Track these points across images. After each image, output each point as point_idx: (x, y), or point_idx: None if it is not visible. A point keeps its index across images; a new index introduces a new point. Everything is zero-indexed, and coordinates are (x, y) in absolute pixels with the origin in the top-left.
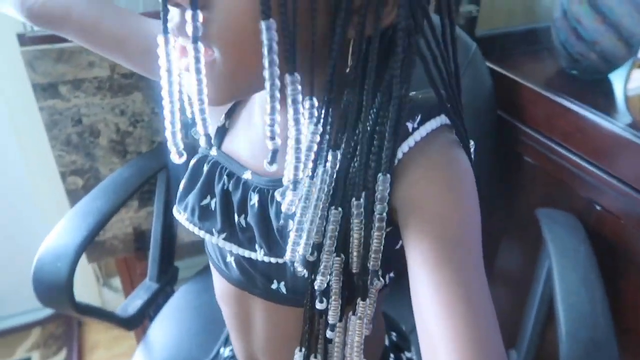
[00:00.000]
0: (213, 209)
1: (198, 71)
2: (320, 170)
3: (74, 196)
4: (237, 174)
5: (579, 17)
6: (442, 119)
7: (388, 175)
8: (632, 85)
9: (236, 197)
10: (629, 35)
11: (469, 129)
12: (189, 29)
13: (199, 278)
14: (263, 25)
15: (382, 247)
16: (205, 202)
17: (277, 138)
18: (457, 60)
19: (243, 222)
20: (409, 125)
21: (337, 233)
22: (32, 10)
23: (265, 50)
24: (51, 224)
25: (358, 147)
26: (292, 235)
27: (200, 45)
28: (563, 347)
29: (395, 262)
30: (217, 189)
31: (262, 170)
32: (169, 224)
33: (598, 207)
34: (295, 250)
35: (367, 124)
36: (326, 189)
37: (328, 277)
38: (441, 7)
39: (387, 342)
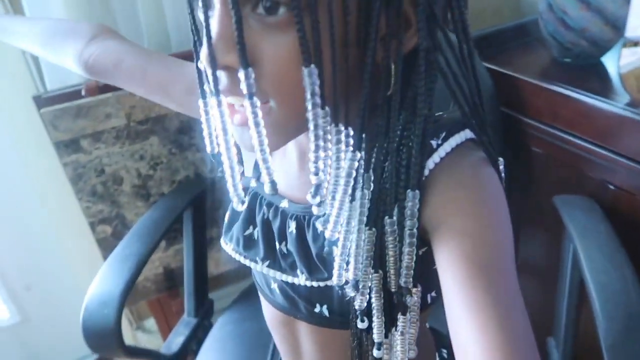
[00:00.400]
0: (256, 238)
1: (257, 124)
2: (358, 194)
3: (104, 244)
4: (275, 203)
5: (564, 7)
6: (466, 134)
7: (417, 191)
8: (624, 62)
9: (276, 225)
10: (614, 19)
11: None
12: (243, 87)
13: (234, 308)
14: (305, 72)
15: (413, 262)
16: (248, 232)
17: (321, 173)
18: (477, 75)
19: (284, 249)
20: (434, 142)
21: (373, 252)
22: (87, 63)
23: (308, 94)
24: (83, 276)
25: (387, 166)
26: (337, 260)
27: (256, 100)
28: (601, 327)
29: (435, 281)
30: (258, 218)
31: (297, 198)
32: (200, 259)
33: (612, 187)
34: (341, 275)
35: (394, 142)
36: (365, 212)
37: (367, 295)
38: (456, 26)
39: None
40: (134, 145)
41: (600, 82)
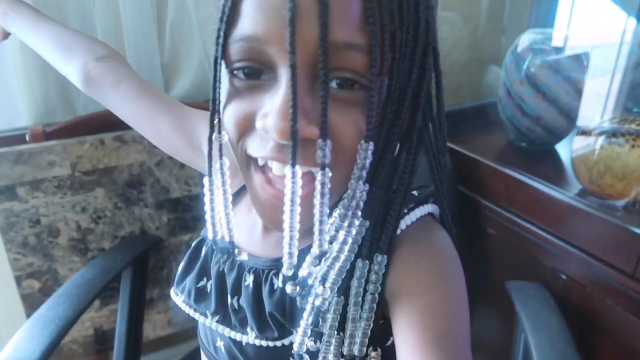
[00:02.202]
0: (208, 291)
1: (323, 195)
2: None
3: (29, 301)
4: (233, 256)
5: (522, 95)
6: (427, 208)
7: (385, 256)
8: (576, 152)
9: (231, 279)
10: (568, 110)
11: None
12: (319, 157)
13: None
14: (363, 146)
15: (370, 331)
16: (201, 284)
17: (326, 244)
18: (446, 155)
19: (236, 304)
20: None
21: (337, 322)
22: (89, 74)
23: (357, 168)
24: (4, 334)
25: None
26: (302, 325)
27: (328, 171)
28: None
29: (392, 351)
30: (213, 271)
31: (257, 253)
32: (135, 321)
33: (563, 276)
34: (304, 342)
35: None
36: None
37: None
38: (433, 117)
39: None
40: (77, 196)
41: (554, 169)
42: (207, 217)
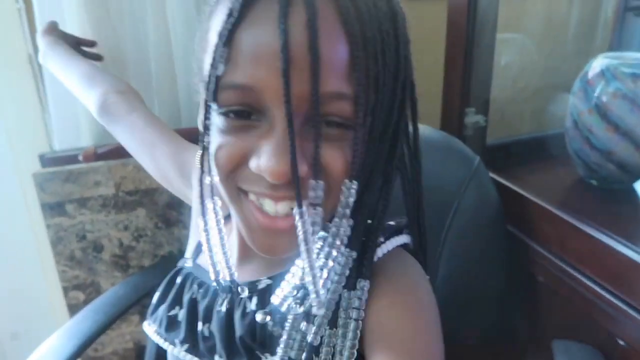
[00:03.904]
0: (180, 319)
1: (316, 233)
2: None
3: (75, 311)
4: (208, 283)
5: (590, 126)
6: (403, 239)
7: (368, 281)
8: None
9: (203, 305)
10: None
11: (473, 243)
12: (312, 196)
13: None
14: (347, 184)
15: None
16: (173, 312)
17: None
18: (421, 185)
19: (206, 331)
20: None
21: (331, 355)
22: (105, 103)
23: (341, 206)
24: None
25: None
26: (280, 353)
27: (320, 209)
28: None
29: None
30: (185, 298)
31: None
32: None
33: (621, 342)
34: None
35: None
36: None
37: None
38: (409, 144)
39: None
40: (120, 215)
41: (626, 213)
42: (207, 257)
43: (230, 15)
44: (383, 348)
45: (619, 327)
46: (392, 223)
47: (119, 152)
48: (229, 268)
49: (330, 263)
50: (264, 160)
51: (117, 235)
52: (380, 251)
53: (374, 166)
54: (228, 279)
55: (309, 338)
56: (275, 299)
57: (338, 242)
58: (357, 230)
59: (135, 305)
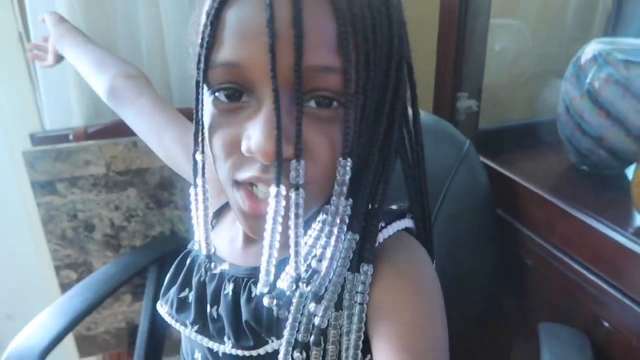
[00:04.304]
0: (190, 301)
1: (298, 216)
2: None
3: (67, 289)
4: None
5: (582, 112)
6: (405, 223)
7: (371, 265)
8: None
9: (211, 288)
10: (637, 131)
11: (464, 226)
12: (293, 177)
13: None
14: (341, 162)
15: (362, 342)
16: (183, 294)
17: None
18: (424, 166)
19: (215, 313)
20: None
21: (339, 337)
22: (115, 86)
23: (337, 184)
24: None
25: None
26: (286, 336)
27: (302, 191)
28: None
29: None
30: (194, 280)
31: (238, 262)
32: (158, 319)
33: (606, 324)
34: (288, 354)
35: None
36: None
37: None
38: (409, 128)
39: None
40: (111, 194)
41: (616, 199)
42: (195, 228)
43: None
44: (386, 330)
45: (604, 310)
46: (394, 207)
47: (109, 132)
48: (207, 244)
49: (333, 241)
50: (254, 140)
51: (108, 215)
52: (382, 236)
53: (370, 147)
54: (204, 253)
55: (316, 320)
56: (280, 283)
57: (338, 221)
58: (358, 212)
59: (127, 284)
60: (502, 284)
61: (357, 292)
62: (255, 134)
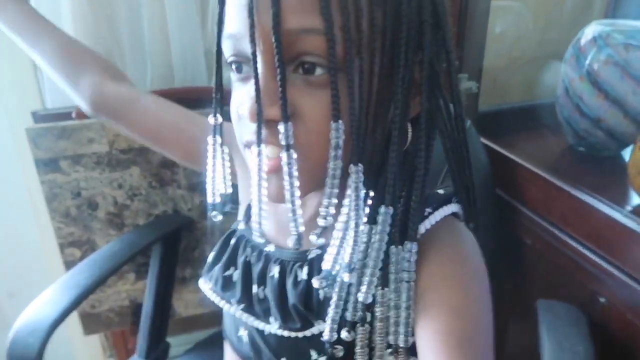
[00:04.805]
0: (235, 280)
1: (291, 175)
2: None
3: (71, 267)
4: (260, 247)
5: (581, 94)
6: (452, 208)
7: (415, 244)
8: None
9: (257, 269)
10: (635, 113)
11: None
12: (282, 139)
13: (190, 356)
14: (333, 126)
15: (411, 320)
16: (228, 272)
17: (329, 218)
18: (467, 145)
19: (261, 294)
20: (426, 210)
21: (387, 314)
22: (104, 92)
23: (332, 147)
24: None
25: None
26: (331, 314)
27: (292, 152)
28: None
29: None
30: (240, 260)
31: (284, 245)
32: (162, 297)
33: (602, 299)
34: (334, 330)
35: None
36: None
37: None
38: (453, 97)
39: None
40: (114, 173)
41: (612, 179)
42: (209, 181)
43: None
44: (432, 314)
45: (601, 286)
46: (440, 191)
47: None
48: (259, 224)
49: (335, 200)
50: (244, 104)
51: (111, 194)
52: (429, 222)
53: (384, 116)
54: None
55: (360, 297)
56: (325, 264)
57: (336, 181)
58: (387, 185)
59: (130, 263)
60: (501, 263)
61: (403, 270)
62: (245, 98)
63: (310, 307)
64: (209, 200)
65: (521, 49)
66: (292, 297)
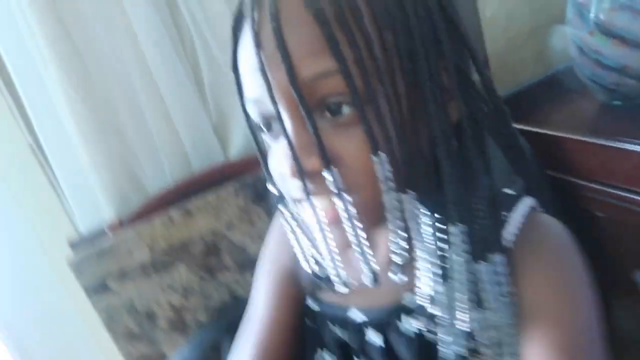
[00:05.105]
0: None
1: (351, 218)
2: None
3: None
4: (341, 316)
5: (597, 48)
6: (528, 202)
7: (500, 255)
8: None
9: (352, 340)
10: None
11: None
12: (330, 185)
13: None
14: (375, 160)
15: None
16: (316, 356)
17: (403, 253)
18: (517, 137)
19: None
20: (502, 213)
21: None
22: None
23: (381, 181)
24: None
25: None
26: (441, 349)
27: (344, 195)
28: None
29: None
30: (327, 338)
31: (367, 304)
32: None
33: None
34: None
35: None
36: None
37: None
38: (488, 93)
39: None
40: (163, 276)
41: None
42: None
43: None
44: (538, 328)
45: None
46: (508, 191)
47: (142, 213)
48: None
49: (403, 233)
50: (282, 164)
51: (165, 299)
52: (515, 227)
53: (425, 133)
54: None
55: (457, 324)
56: (425, 306)
57: (397, 214)
58: (450, 202)
59: None
60: (583, 244)
61: (495, 284)
62: (280, 158)
63: (421, 352)
64: (311, 271)
65: (516, 28)
66: (401, 352)
